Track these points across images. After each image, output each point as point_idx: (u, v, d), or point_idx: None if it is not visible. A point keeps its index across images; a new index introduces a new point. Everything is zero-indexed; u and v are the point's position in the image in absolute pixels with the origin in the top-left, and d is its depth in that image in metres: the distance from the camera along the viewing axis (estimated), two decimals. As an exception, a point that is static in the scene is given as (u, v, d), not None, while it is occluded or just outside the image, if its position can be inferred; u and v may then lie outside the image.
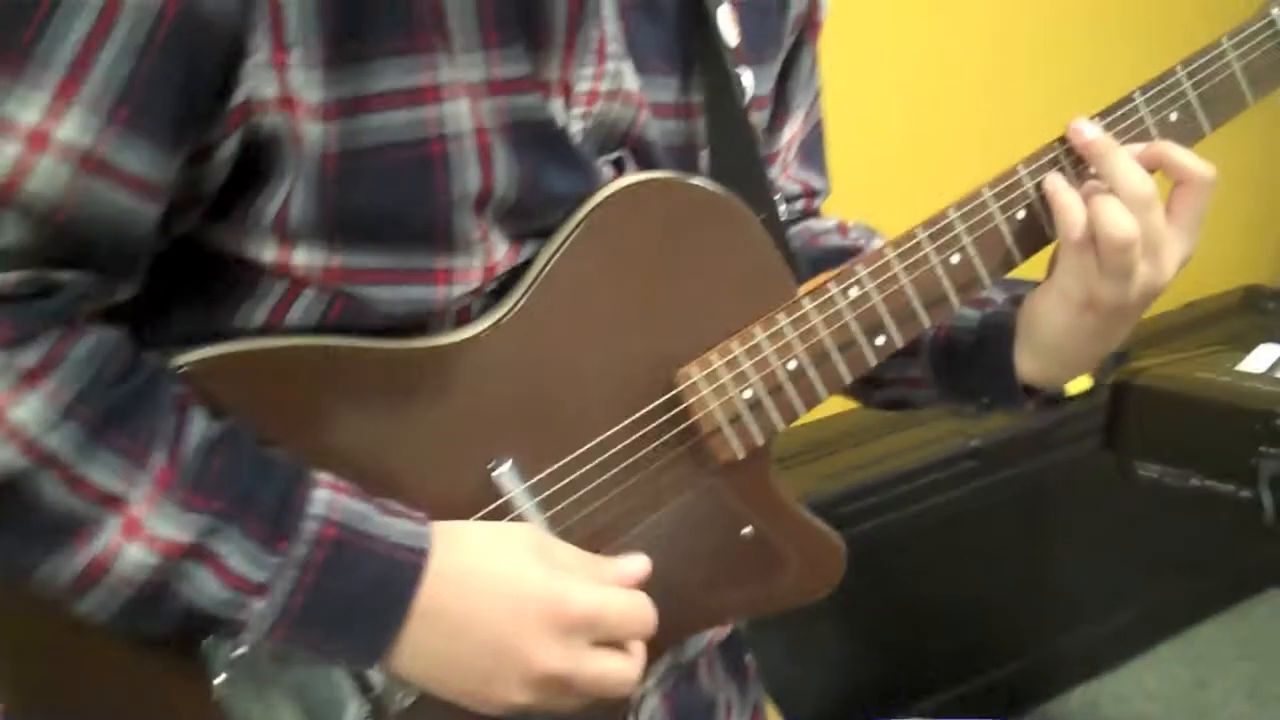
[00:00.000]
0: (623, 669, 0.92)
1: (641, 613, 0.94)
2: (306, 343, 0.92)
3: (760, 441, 1.00)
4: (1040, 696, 3.04)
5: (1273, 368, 2.17)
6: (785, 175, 1.20)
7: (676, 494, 1.00)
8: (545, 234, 0.96)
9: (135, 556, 0.84)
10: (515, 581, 0.90)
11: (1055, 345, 1.05)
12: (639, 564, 0.95)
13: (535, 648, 0.89)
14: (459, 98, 0.88)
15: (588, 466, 0.97)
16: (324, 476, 0.90)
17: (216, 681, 0.90)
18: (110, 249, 0.85)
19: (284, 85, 0.85)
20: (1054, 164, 1.02)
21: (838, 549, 1.05)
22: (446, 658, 0.89)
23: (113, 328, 0.88)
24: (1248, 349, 2.42)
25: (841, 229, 1.25)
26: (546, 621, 0.89)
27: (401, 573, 0.88)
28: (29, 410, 0.82)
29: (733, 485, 1.01)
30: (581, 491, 0.97)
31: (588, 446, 0.97)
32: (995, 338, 1.08)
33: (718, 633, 1.15)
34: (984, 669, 2.86)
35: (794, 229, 1.23)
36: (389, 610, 0.88)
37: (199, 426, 0.87)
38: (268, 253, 0.90)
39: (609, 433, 0.97)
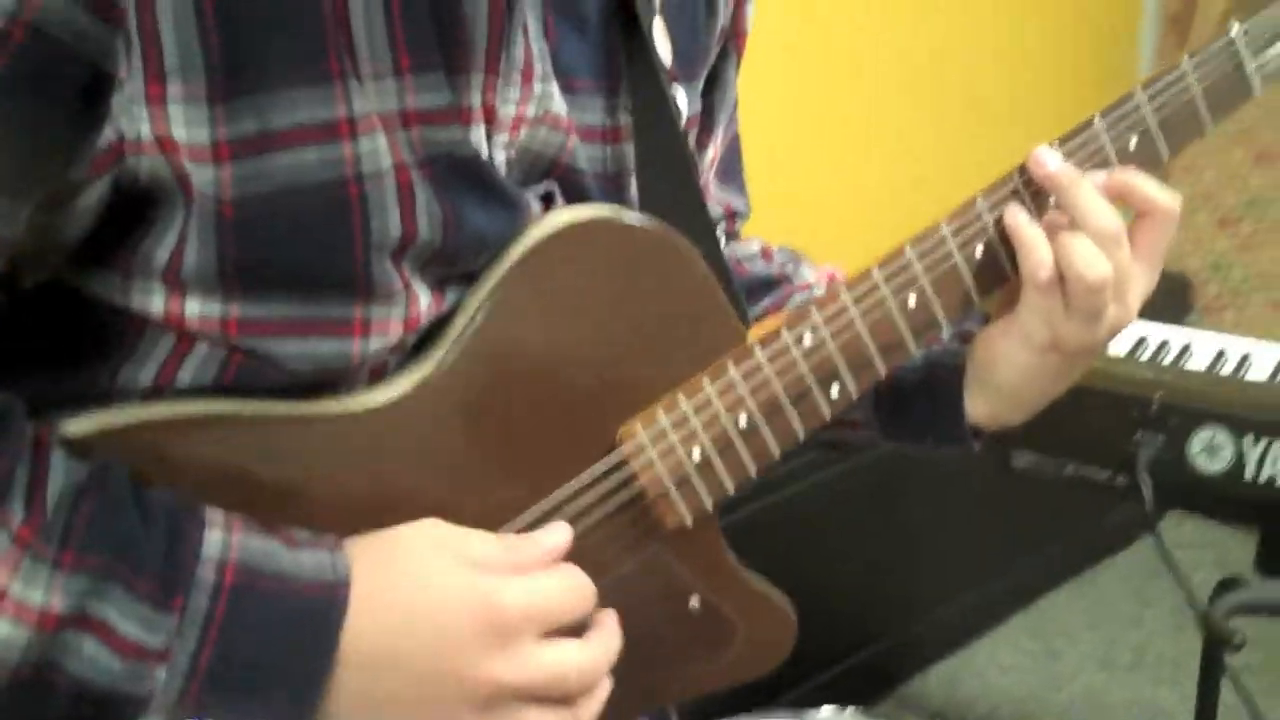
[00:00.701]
0: (581, 656, 0.83)
1: (580, 588, 0.84)
2: (206, 409, 0.80)
3: (709, 507, 0.92)
4: (900, 677, 3.04)
5: (1136, 348, 2.16)
6: (706, 198, 1.11)
7: (620, 564, 0.91)
8: (469, 279, 0.86)
9: (4, 633, 0.71)
10: (440, 595, 0.79)
11: (1014, 388, 0.99)
12: (559, 533, 0.85)
13: (476, 663, 0.79)
14: (375, 131, 0.78)
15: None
16: (215, 513, 0.78)
17: None
18: None
19: (161, 123, 0.73)
20: (1014, 195, 0.95)
21: (789, 619, 0.97)
22: (381, 699, 0.78)
23: None
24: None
25: (765, 254, 1.17)
26: (482, 631, 0.79)
27: (320, 611, 0.77)
28: None
29: (679, 553, 0.93)
30: None
31: (528, 519, 0.87)
32: (944, 379, 1.01)
33: None
34: (843, 656, 2.85)
35: None
36: (310, 658, 0.76)
37: (60, 469, 0.75)
38: (155, 303, 0.78)
39: (548, 501, 0.88)
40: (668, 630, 0.93)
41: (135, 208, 0.77)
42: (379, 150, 0.78)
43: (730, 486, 0.91)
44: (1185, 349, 2.13)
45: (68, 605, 0.73)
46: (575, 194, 0.90)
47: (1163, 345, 2.15)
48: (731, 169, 1.14)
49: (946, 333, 0.96)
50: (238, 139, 0.74)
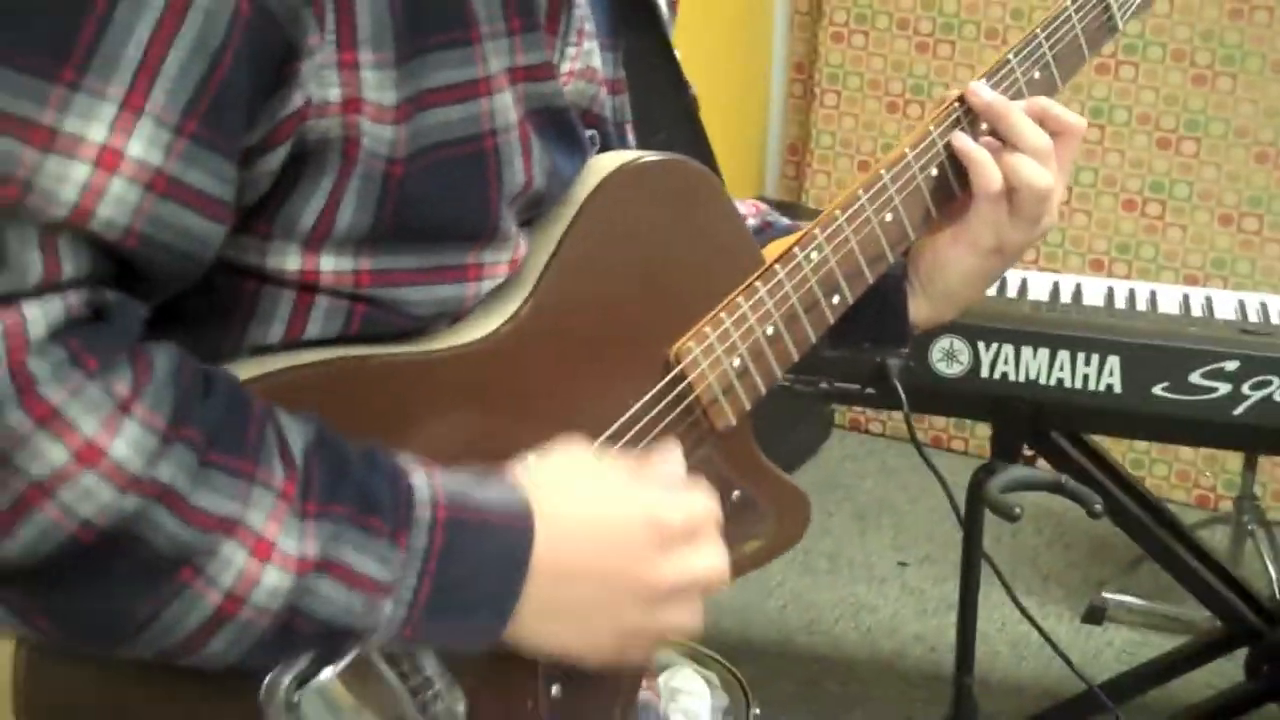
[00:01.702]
0: (716, 559, 0.92)
1: (714, 503, 0.94)
2: (338, 355, 0.86)
3: (748, 407, 1.03)
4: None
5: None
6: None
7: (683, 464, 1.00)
8: (533, 221, 0.94)
9: (272, 581, 0.77)
10: (609, 516, 0.89)
11: (955, 289, 1.16)
12: (676, 457, 0.95)
13: (648, 569, 0.88)
14: (504, 89, 0.86)
15: (619, 444, 0.97)
16: (407, 458, 0.84)
17: None
18: (169, 274, 0.77)
19: (353, 87, 0.79)
20: (956, 124, 1.12)
21: (806, 503, 1.12)
22: (560, 604, 0.87)
23: (170, 343, 0.78)
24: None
25: (755, 209, 1.29)
26: (651, 542, 0.89)
27: (517, 539, 0.85)
28: (128, 442, 0.72)
29: (722, 453, 1.04)
30: None
31: (608, 433, 0.97)
32: (892, 288, 1.16)
33: None
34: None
35: None
36: (509, 580, 0.85)
37: (296, 429, 0.80)
38: (292, 262, 0.83)
39: (624, 418, 0.98)
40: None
41: (293, 174, 0.81)
42: (508, 106, 0.86)
43: (763, 388, 1.04)
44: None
45: (318, 550, 0.78)
46: (604, 141, 1.01)
47: (879, 270, 2.40)
48: None
49: (911, 243, 1.13)
50: (409, 99, 0.81)
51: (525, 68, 0.88)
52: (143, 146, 0.73)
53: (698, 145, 1.08)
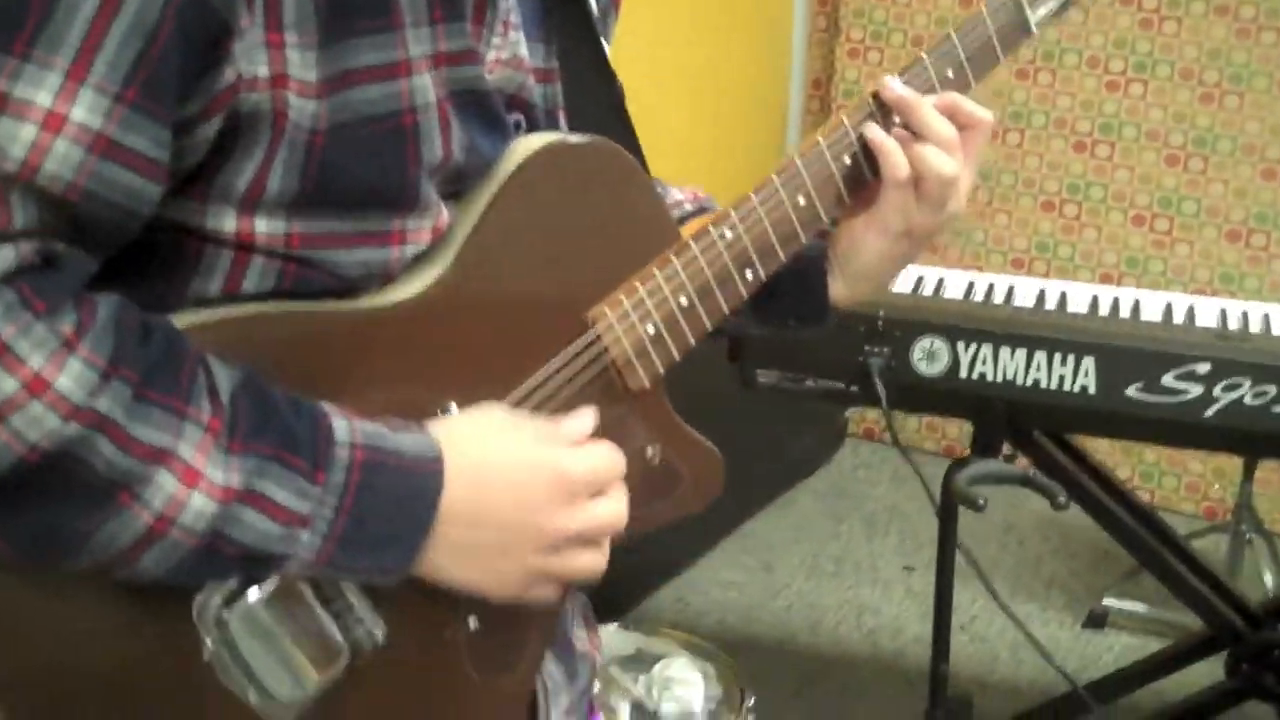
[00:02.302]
0: (617, 509, 1.02)
1: (618, 457, 1.03)
2: (278, 309, 0.95)
3: (661, 370, 1.10)
4: (634, 599, 3.30)
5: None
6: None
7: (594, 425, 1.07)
8: (459, 195, 1.02)
9: (198, 505, 0.86)
10: (516, 465, 0.98)
11: (871, 269, 1.22)
12: (588, 418, 1.04)
13: (548, 518, 0.98)
14: (424, 71, 0.94)
15: (534, 399, 1.04)
16: (331, 406, 0.93)
17: (207, 643, 0.92)
18: (110, 226, 0.86)
19: (279, 64, 0.88)
20: (870, 116, 1.19)
21: (719, 462, 1.18)
22: (469, 546, 0.96)
23: (114, 293, 0.88)
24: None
25: (693, 195, 1.35)
26: (553, 492, 0.98)
27: (426, 482, 0.94)
28: (72, 376, 0.82)
29: (637, 413, 1.11)
30: None
31: (523, 387, 1.04)
32: (813, 269, 1.23)
33: None
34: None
35: None
36: (419, 519, 0.93)
37: (224, 373, 0.89)
38: (228, 223, 0.92)
39: (538, 373, 1.05)
40: (633, 478, 1.10)
41: (227, 142, 0.89)
42: (428, 86, 0.94)
43: (677, 354, 1.12)
44: (892, 276, 2.45)
45: (241, 481, 0.87)
46: (532, 124, 1.09)
47: (872, 275, 2.46)
48: None
49: (824, 225, 1.20)
50: (330, 77, 0.90)
51: (447, 54, 0.96)
52: (84, 112, 0.82)
53: (624, 133, 1.15)
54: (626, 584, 3.25)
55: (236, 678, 0.93)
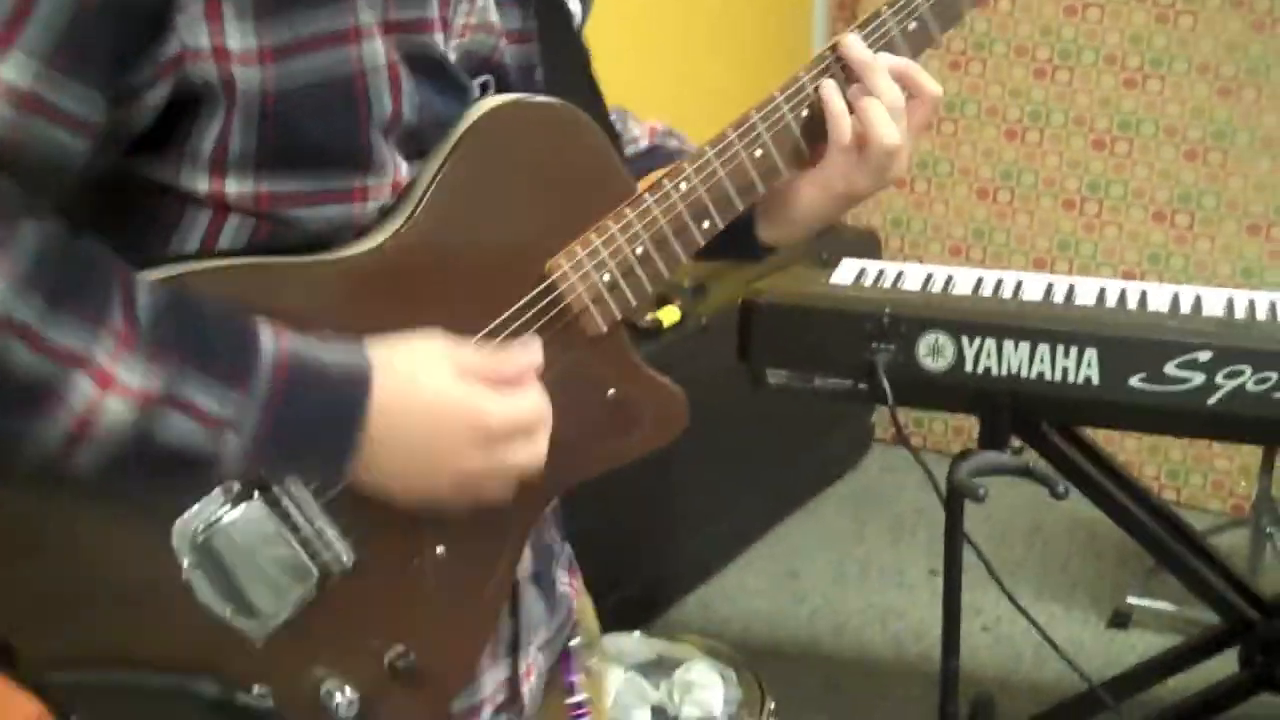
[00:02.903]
0: (532, 455, 1.07)
1: (544, 408, 1.07)
2: (244, 262, 1.03)
3: (619, 317, 1.15)
4: (661, 607, 3.31)
5: (858, 277, 2.48)
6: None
7: (552, 367, 1.12)
8: (424, 154, 1.08)
9: (114, 407, 0.93)
10: (440, 402, 1.03)
11: (805, 220, 1.26)
12: (533, 350, 1.08)
13: (461, 457, 1.04)
14: (374, 36, 1.01)
15: (494, 343, 1.10)
16: (263, 319, 0.99)
17: (185, 565, 1.01)
18: (42, 173, 0.94)
19: (219, 37, 0.95)
20: (827, 70, 1.22)
21: (681, 400, 1.21)
22: (388, 466, 1.02)
23: (51, 219, 0.95)
24: (823, 265, 2.74)
25: (651, 131, 1.40)
26: (470, 435, 1.03)
27: (349, 398, 1.00)
28: None
29: (597, 356, 1.16)
30: None
31: (481, 334, 1.10)
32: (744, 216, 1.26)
33: None
34: (607, 592, 3.08)
35: None
36: (342, 432, 1.00)
37: (145, 286, 0.96)
38: (201, 184, 1.00)
39: (497, 322, 1.10)
40: (593, 415, 1.17)
41: (186, 110, 0.97)
42: (378, 51, 1.01)
43: (634, 301, 1.15)
44: (899, 275, 2.46)
45: (160, 387, 0.94)
46: (503, 83, 1.14)
47: (880, 274, 2.48)
48: None
49: (783, 178, 1.22)
50: (276, 46, 0.96)
51: (398, 22, 1.02)
52: (14, 73, 0.90)
53: (590, 96, 1.20)
54: (651, 593, 3.26)
55: (211, 597, 1.02)
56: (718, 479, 3.32)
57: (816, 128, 1.21)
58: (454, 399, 1.03)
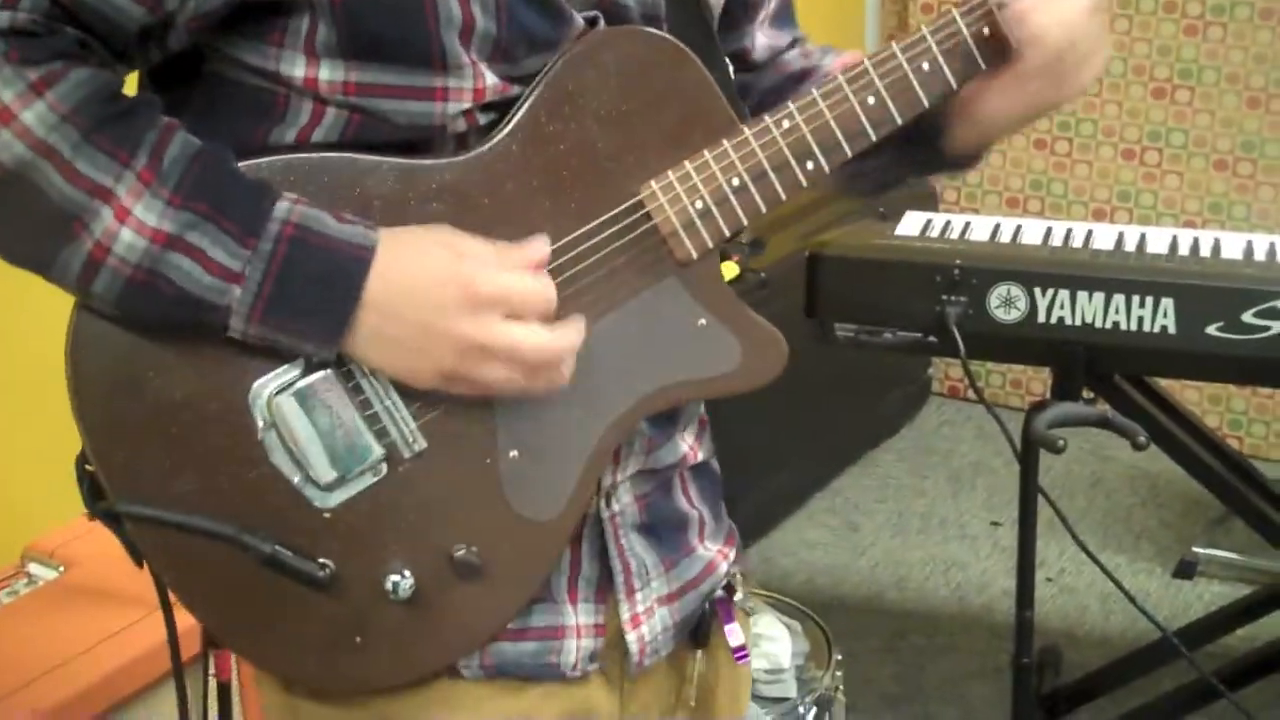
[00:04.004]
0: (530, 336, 1.08)
1: (541, 289, 1.08)
2: (334, 155, 1.08)
3: (710, 245, 1.15)
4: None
5: (924, 230, 2.47)
6: (764, 40, 1.36)
7: (643, 286, 1.15)
8: (530, 79, 1.11)
9: (128, 238, 1.01)
10: (434, 271, 1.06)
11: (995, 130, 1.24)
12: (540, 247, 1.10)
13: (454, 322, 1.06)
14: None
15: (566, 257, 1.12)
16: (289, 194, 1.05)
17: (259, 426, 1.08)
18: (104, 29, 1.01)
19: None
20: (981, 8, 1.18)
21: (779, 340, 1.20)
22: (387, 336, 1.07)
23: (109, 71, 1.03)
24: (882, 219, 2.73)
25: (805, 53, 1.39)
26: (461, 301, 1.06)
27: (352, 265, 1.05)
28: (34, 113, 0.99)
29: (688, 282, 1.16)
30: (562, 277, 1.11)
31: (565, 240, 1.12)
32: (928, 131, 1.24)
33: (690, 454, 1.30)
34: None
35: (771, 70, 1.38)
36: (344, 296, 1.05)
37: (180, 140, 1.03)
38: (298, 69, 1.06)
39: (583, 230, 1.13)
40: (681, 343, 1.17)
41: (274, 1, 1.04)
42: None
43: (726, 230, 1.15)
44: (967, 226, 2.44)
45: (174, 229, 1.02)
46: (619, 21, 1.14)
47: (946, 225, 2.46)
48: (783, 14, 1.39)
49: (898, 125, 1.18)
50: None
51: None
52: None
53: (709, 45, 1.20)
54: (712, 545, 3.26)
55: (282, 459, 1.08)
56: (775, 433, 3.32)
57: (937, 77, 1.19)
58: (445, 264, 1.07)
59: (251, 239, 1.03)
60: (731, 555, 1.34)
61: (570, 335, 1.10)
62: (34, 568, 2.07)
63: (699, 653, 1.31)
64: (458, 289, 1.06)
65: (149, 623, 1.86)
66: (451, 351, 1.07)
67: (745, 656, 1.33)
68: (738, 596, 1.32)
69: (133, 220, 1.01)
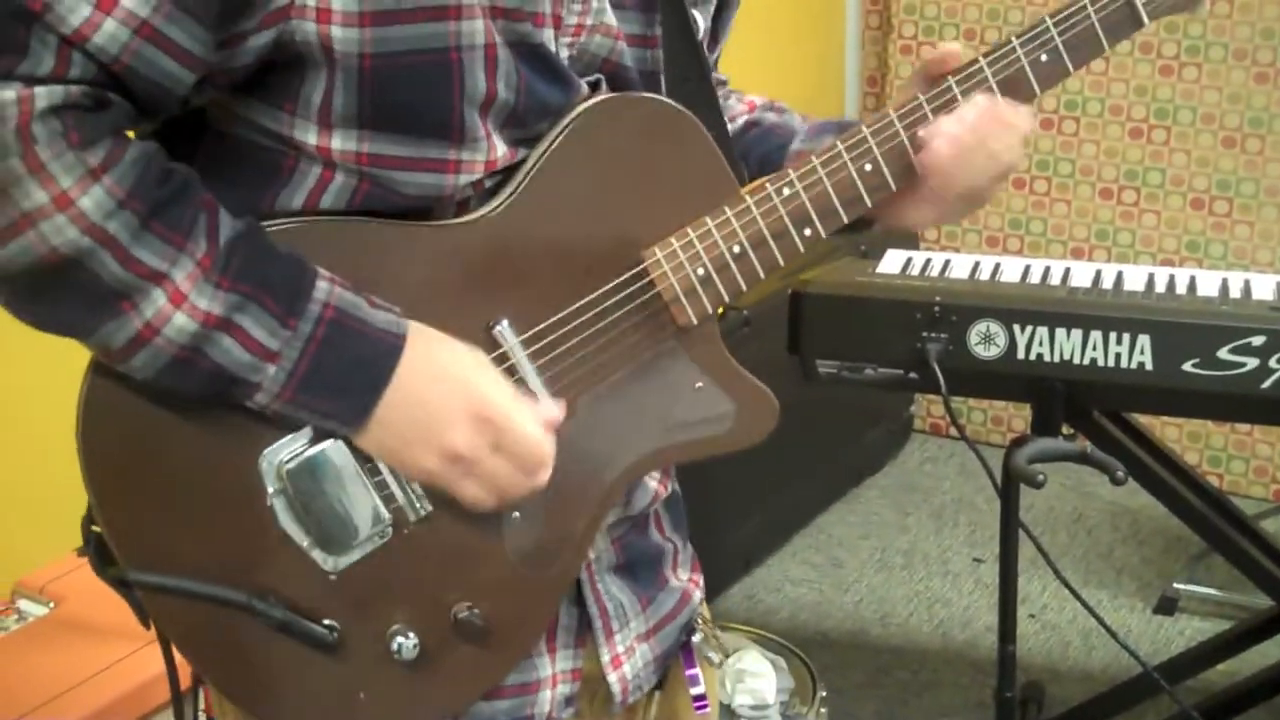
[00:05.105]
0: (513, 478, 1.11)
1: (540, 444, 1.11)
2: (344, 219, 1.10)
3: (710, 311, 1.18)
4: (707, 598, 3.31)
5: (905, 268, 2.50)
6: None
7: (642, 352, 1.17)
8: (535, 141, 1.13)
9: (180, 322, 1.03)
10: (456, 377, 1.09)
11: (921, 221, 1.29)
12: (552, 407, 1.13)
13: (451, 430, 1.09)
14: (476, 17, 1.06)
15: (570, 326, 1.14)
16: (324, 272, 1.07)
17: (269, 492, 1.09)
18: (151, 95, 1.02)
19: None
20: (945, 94, 1.22)
21: (772, 400, 1.24)
22: (391, 427, 1.09)
23: (151, 141, 1.04)
24: (863, 257, 2.76)
25: (750, 106, 1.43)
26: (465, 411, 1.09)
27: (384, 352, 1.07)
28: (92, 200, 0.99)
29: (687, 347, 1.19)
30: (565, 346, 1.14)
31: (569, 310, 1.14)
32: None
33: (660, 491, 1.32)
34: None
35: None
36: (374, 382, 1.08)
37: (228, 222, 1.05)
38: (311, 136, 1.07)
39: (586, 299, 1.15)
40: (678, 404, 1.20)
41: (294, 63, 1.04)
42: (476, 31, 1.06)
43: (726, 296, 1.18)
44: (947, 264, 2.47)
45: (223, 311, 1.03)
46: (620, 84, 1.17)
47: (926, 263, 2.49)
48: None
49: (892, 192, 1.23)
50: (376, 10, 1.03)
51: (504, 9, 1.08)
52: (134, 2, 0.98)
53: (707, 104, 1.22)
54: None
55: (291, 525, 1.10)
56: (759, 470, 3.34)
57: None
58: (468, 377, 1.10)
59: (293, 319, 1.05)
60: (701, 583, 1.37)
61: (541, 479, 1.12)
62: (24, 604, 2.08)
63: (655, 694, 1.33)
64: (466, 400, 1.08)
65: (139, 658, 1.87)
66: (440, 456, 1.09)
67: (705, 706, 1.35)
68: (696, 638, 1.34)
69: (187, 305, 1.02)
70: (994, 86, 1.23)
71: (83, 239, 0.99)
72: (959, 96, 1.22)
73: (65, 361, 1.13)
